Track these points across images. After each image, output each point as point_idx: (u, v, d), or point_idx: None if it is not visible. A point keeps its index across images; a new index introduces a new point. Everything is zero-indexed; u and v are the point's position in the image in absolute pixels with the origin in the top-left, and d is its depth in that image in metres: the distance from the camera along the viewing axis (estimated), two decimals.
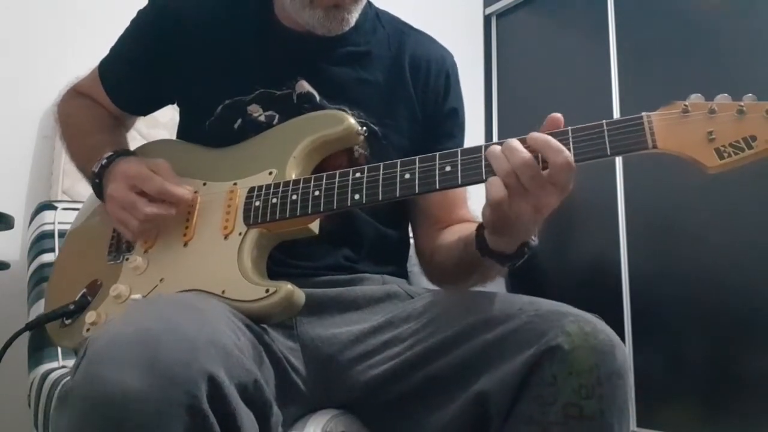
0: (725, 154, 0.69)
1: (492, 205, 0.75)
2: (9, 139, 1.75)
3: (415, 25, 1.10)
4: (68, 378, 0.65)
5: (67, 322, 0.92)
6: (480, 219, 0.81)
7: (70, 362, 1.24)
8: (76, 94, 1.13)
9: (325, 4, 0.90)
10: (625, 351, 0.73)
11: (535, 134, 0.75)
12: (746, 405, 1.89)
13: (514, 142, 0.74)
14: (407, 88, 1.00)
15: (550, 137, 0.74)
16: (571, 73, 2.55)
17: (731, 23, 2.06)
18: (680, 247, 2.11)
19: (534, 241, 0.82)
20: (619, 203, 2.28)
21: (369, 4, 1.05)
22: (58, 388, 1.08)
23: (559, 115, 0.77)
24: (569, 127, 0.74)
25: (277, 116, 0.95)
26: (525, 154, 0.73)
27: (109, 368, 0.59)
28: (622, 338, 0.74)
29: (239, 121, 0.95)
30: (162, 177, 0.88)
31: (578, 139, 0.73)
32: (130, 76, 1.05)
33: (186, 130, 1.04)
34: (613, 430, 0.69)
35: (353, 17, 0.93)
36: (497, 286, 2.51)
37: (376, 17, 1.04)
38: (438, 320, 0.81)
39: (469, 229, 0.88)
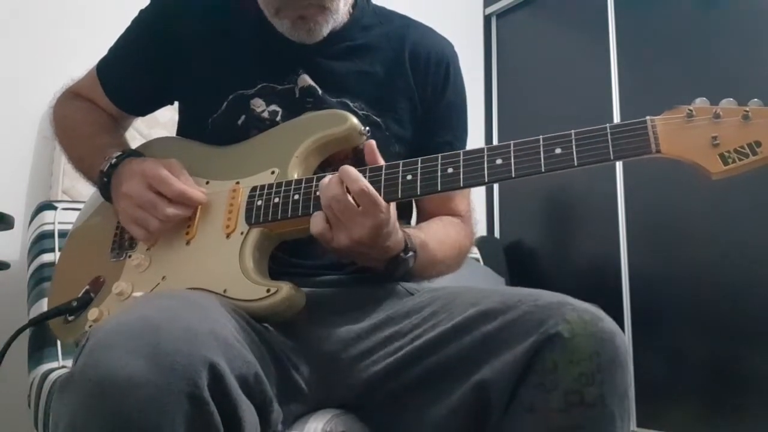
0: (730, 160, 0.68)
1: (317, 238, 0.80)
2: (9, 139, 1.75)
3: None
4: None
5: (71, 318, 0.92)
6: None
7: (71, 362, 1.24)
8: (72, 96, 1.12)
9: (290, 16, 0.91)
10: (625, 339, 0.73)
11: (343, 166, 0.80)
12: (746, 405, 1.90)
13: (333, 177, 0.80)
14: (407, 80, 1.01)
15: (348, 168, 0.79)
16: (571, 73, 2.55)
17: (731, 23, 2.07)
18: (680, 247, 2.11)
19: (404, 255, 0.86)
20: (619, 203, 2.28)
21: (367, 2, 1.06)
22: (59, 380, 1.08)
23: (372, 142, 0.84)
24: (572, 131, 0.75)
25: (280, 111, 0.95)
26: (335, 188, 0.78)
27: (110, 355, 0.59)
28: None
29: (243, 117, 0.96)
30: (176, 177, 0.88)
31: (581, 143, 0.73)
32: (131, 76, 1.05)
33: (187, 129, 1.04)
34: (613, 416, 0.69)
35: (323, 27, 0.93)
36: (497, 284, 2.50)
37: (374, 14, 1.05)
38: (438, 314, 0.81)
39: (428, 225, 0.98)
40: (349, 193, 0.78)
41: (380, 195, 0.80)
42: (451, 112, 1.05)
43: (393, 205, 0.82)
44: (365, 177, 0.81)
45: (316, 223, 0.80)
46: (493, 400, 0.72)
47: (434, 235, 0.96)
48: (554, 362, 0.69)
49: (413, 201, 1.07)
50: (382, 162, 0.83)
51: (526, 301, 0.74)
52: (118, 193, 0.91)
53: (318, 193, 0.81)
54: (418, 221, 1.05)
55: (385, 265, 0.87)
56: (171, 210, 0.86)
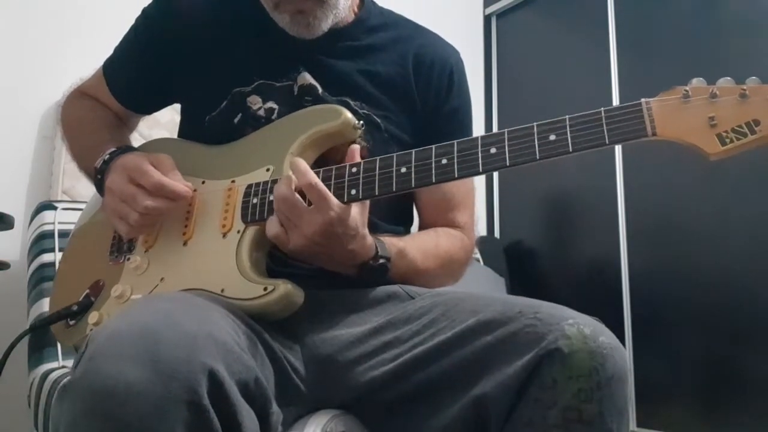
0: (727, 140, 0.67)
1: (273, 242, 0.81)
2: (9, 139, 1.75)
3: None
4: (69, 375, 0.66)
5: (72, 322, 0.92)
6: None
7: (70, 362, 1.24)
8: (79, 95, 1.13)
9: (288, 10, 0.91)
10: (625, 354, 0.73)
11: (294, 159, 0.81)
12: (746, 405, 1.89)
13: (283, 176, 0.80)
14: (409, 85, 1.00)
15: (298, 161, 0.81)
16: (571, 72, 2.55)
17: (732, 22, 2.06)
18: (680, 247, 2.11)
19: (373, 263, 0.86)
20: (619, 203, 2.28)
21: (372, 3, 1.05)
22: (59, 387, 1.08)
23: (355, 146, 0.84)
24: (566, 116, 0.74)
25: (276, 109, 0.95)
26: (281, 187, 0.79)
27: (110, 363, 0.59)
28: (622, 338, 0.74)
29: (239, 115, 0.95)
30: (162, 170, 0.88)
31: (576, 127, 0.73)
32: (134, 74, 1.06)
33: (187, 128, 1.04)
34: None
35: (322, 22, 0.92)
36: (497, 285, 2.51)
37: (381, 16, 1.05)
38: (438, 322, 0.80)
39: (426, 235, 0.98)
40: (299, 190, 0.78)
41: (375, 189, 0.80)
42: (454, 120, 1.04)
43: (356, 208, 0.81)
44: (359, 171, 0.81)
45: (271, 226, 0.81)
46: (492, 415, 0.71)
47: (419, 245, 0.95)
48: (553, 378, 0.68)
49: (414, 209, 1.07)
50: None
51: (526, 312, 0.73)
52: (105, 186, 0.91)
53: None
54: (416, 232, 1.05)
55: (357, 272, 0.86)
56: (149, 202, 0.85)
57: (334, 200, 0.78)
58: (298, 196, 0.78)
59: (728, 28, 2.07)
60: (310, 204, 0.78)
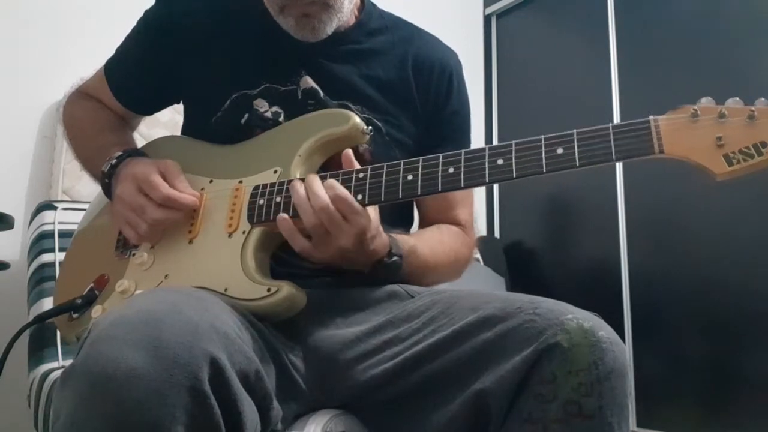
0: (734, 161, 0.67)
1: (300, 254, 0.82)
2: (9, 139, 1.75)
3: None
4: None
5: (75, 316, 0.93)
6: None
7: (71, 362, 1.24)
8: (81, 95, 1.13)
9: (294, 14, 0.91)
10: (625, 348, 0.73)
11: (310, 175, 0.82)
12: (746, 405, 1.90)
13: (312, 184, 0.80)
14: (409, 88, 1.00)
15: (317, 176, 0.80)
16: (571, 73, 2.56)
17: (731, 22, 2.07)
18: (680, 247, 2.11)
19: (387, 260, 0.87)
20: (619, 203, 2.28)
21: (373, 5, 1.06)
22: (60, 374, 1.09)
23: (348, 151, 0.84)
24: (574, 130, 0.74)
25: (282, 113, 0.96)
26: (323, 197, 0.79)
27: (112, 347, 0.60)
28: (622, 338, 0.74)
29: (246, 116, 0.96)
30: (170, 179, 0.89)
31: (583, 143, 0.73)
32: (137, 75, 1.06)
33: (192, 128, 1.04)
34: (612, 427, 0.68)
35: (327, 26, 0.93)
36: (497, 285, 2.51)
37: (381, 19, 1.05)
38: (438, 319, 0.81)
39: (429, 232, 0.99)
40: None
41: (381, 195, 0.80)
42: (454, 123, 1.05)
43: (375, 209, 0.82)
44: (367, 177, 0.81)
45: (297, 241, 0.81)
46: (492, 410, 0.71)
47: (427, 242, 0.96)
48: (553, 373, 0.68)
49: (414, 209, 1.07)
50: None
51: (525, 308, 0.74)
52: (115, 195, 0.92)
53: (296, 202, 0.80)
54: (420, 229, 1.05)
55: (370, 269, 0.87)
56: (158, 214, 0.87)
57: (361, 208, 0.79)
58: (335, 209, 0.78)
59: (727, 29, 2.07)
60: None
